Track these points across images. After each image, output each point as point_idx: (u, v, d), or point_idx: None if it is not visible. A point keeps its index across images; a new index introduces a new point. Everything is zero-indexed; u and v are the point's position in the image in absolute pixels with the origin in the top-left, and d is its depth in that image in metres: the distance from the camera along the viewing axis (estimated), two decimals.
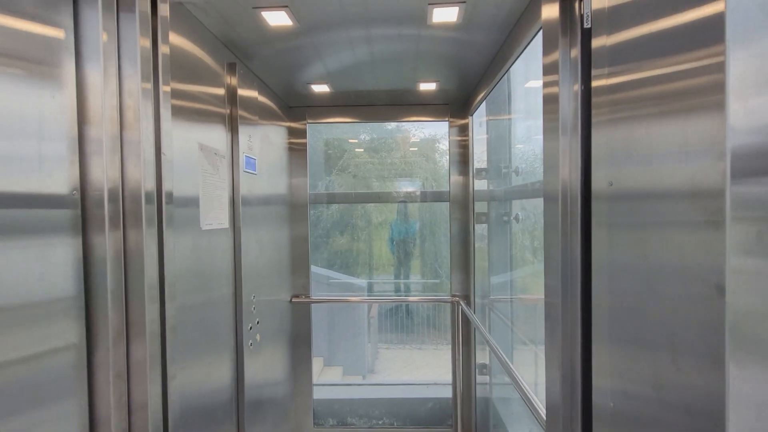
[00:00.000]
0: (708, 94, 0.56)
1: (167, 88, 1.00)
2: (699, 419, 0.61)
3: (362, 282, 5.13)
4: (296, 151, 2.72)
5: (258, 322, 1.97)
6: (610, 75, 0.84)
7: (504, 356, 1.76)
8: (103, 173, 0.86)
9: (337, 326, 5.43)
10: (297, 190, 2.73)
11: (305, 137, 2.72)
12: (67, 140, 0.81)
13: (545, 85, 1.09)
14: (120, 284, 0.94)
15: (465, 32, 1.64)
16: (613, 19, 0.83)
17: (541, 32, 1.12)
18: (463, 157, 2.74)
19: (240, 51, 1.79)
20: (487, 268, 2.65)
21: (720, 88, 0.53)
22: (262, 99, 2.13)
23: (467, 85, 2.39)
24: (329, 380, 3.67)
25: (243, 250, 1.78)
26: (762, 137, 0.52)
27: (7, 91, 0.69)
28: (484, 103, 2.39)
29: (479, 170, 2.67)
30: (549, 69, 1.06)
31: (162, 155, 0.98)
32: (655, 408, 0.73)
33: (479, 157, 2.69)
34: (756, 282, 0.55)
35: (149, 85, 0.94)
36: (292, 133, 2.70)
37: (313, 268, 3.02)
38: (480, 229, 2.69)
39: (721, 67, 0.53)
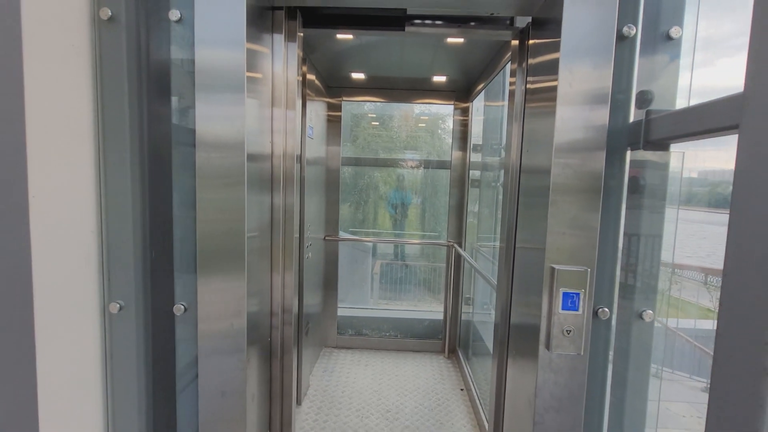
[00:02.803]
0: (552, 105, 1.21)
1: (300, 78, 1.68)
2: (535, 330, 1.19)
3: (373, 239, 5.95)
4: (333, 122, 3.44)
5: (310, 245, 2.76)
6: (533, 82, 1.44)
7: (487, 275, 2.55)
8: (281, 141, 1.56)
9: (344, 281, 6.26)
10: (332, 154, 3.47)
11: (340, 111, 3.44)
12: (267, 119, 1.52)
13: (511, 84, 1.67)
14: (283, 220, 1.57)
15: (469, 45, 2.35)
16: (532, 50, 1.49)
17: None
18: (463, 134, 3.46)
19: (309, 48, 2.50)
20: (477, 221, 3.42)
21: (554, 99, 1.19)
22: (317, 82, 2.84)
23: (470, 78, 3.09)
24: (349, 304, 4.49)
25: (306, 195, 2.54)
26: (571, 136, 1.18)
27: (252, 89, 1.39)
28: (483, 91, 3.09)
29: (476, 145, 3.39)
30: (513, 73, 1.69)
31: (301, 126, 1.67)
32: (526, 324, 1.28)
33: (477, 134, 3.40)
34: (559, 241, 1.10)
35: (299, 77, 1.64)
36: (330, 107, 3.42)
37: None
38: (473, 192, 3.44)
39: (553, 89, 1.23)
